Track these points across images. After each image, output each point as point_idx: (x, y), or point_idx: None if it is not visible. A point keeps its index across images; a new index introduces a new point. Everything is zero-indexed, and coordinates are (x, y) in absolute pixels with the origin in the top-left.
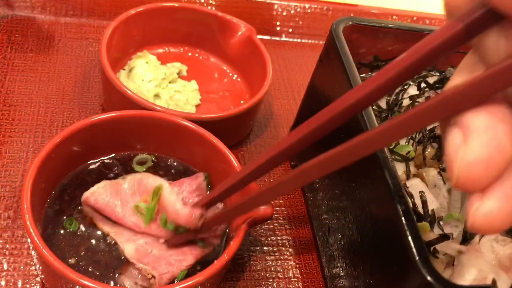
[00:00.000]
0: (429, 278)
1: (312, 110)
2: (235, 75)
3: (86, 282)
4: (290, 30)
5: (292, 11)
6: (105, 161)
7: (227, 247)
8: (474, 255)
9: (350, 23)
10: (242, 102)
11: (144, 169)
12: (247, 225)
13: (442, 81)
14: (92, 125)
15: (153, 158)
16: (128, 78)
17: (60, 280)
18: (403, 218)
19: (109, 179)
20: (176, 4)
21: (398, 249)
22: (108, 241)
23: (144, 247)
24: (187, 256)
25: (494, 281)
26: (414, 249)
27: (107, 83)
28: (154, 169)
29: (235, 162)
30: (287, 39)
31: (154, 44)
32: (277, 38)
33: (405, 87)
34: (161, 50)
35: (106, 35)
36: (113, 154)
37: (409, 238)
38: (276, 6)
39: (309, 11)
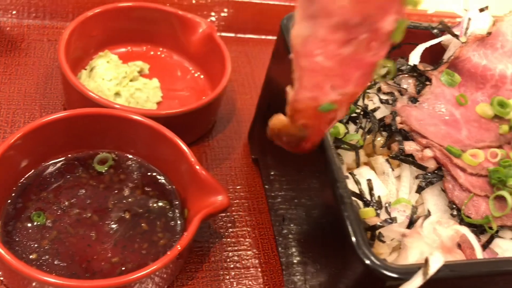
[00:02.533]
0: (366, 260)
1: (268, 106)
2: (198, 72)
3: (40, 277)
4: (254, 27)
5: (257, 8)
6: (66, 160)
7: (181, 239)
8: (417, 238)
9: None
10: (204, 98)
11: (105, 168)
12: (202, 217)
13: None
14: (48, 124)
15: (114, 156)
16: (89, 78)
17: (17, 277)
18: (342, 204)
19: (70, 179)
20: (132, 4)
21: (340, 235)
22: (75, 231)
23: None
24: None
25: (426, 260)
26: (352, 234)
27: (66, 83)
28: (115, 168)
29: (191, 157)
30: (251, 36)
31: (116, 44)
32: (241, 35)
33: None
34: (123, 50)
35: (64, 36)
36: (74, 153)
37: (347, 223)
38: (239, 4)
39: (271, 8)
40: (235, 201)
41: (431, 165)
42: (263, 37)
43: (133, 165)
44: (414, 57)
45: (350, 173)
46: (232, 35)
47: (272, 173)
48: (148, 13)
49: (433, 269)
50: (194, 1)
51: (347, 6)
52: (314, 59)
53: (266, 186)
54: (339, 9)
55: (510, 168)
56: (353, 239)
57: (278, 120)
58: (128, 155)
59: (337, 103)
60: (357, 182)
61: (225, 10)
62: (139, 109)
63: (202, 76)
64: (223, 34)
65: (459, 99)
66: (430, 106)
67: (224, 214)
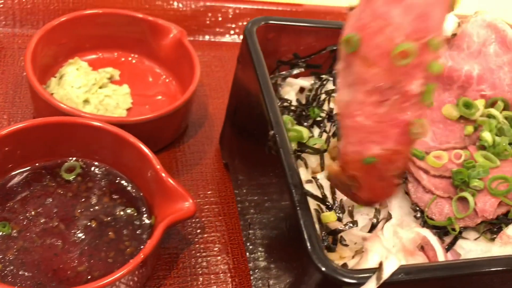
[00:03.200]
0: (322, 267)
1: (235, 110)
2: (169, 78)
3: None
4: (227, 31)
5: (231, 12)
6: (33, 169)
7: (144, 247)
8: (376, 241)
9: (263, 23)
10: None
11: (73, 176)
12: (167, 224)
13: None
14: (13, 134)
15: (81, 164)
16: (58, 85)
17: None
18: (298, 210)
19: (37, 188)
20: (100, 11)
21: (298, 241)
22: (42, 241)
23: None
24: None
25: (380, 264)
26: (307, 240)
27: (33, 92)
28: (83, 176)
29: (156, 164)
30: (224, 40)
31: (86, 51)
32: (214, 39)
33: (324, 82)
34: (94, 56)
35: (30, 45)
36: (41, 162)
37: (303, 229)
38: (212, 9)
39: (244, 12)
40: (205, 207)
41: None
42: (237, 41)
43: (101, 172)
44: None
45: (313, 177)
46: (206, 39)
47: (240, 177)
48: (117, 20)
49: (387, 273)
50: (170, 7)
51: (378, 73)
52: (355, 119)
53: (236, 191)
54: (372, 76)
55: (473, 169)
56: (308, 245)
57: (333, 168)
58: (95, 162)
59: (380, 157)
60: (319, 186)
61: (197, 14)
62: (106, 116)
63: (173, 82)
64: (197, 38)
65: None
66: None
67: (193, 220)
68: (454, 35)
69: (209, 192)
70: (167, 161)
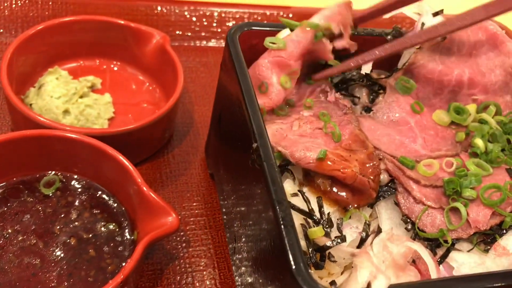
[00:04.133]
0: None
1: (219, 118)
2: (153, 85)
3: None
4: (213, 36)
5: (217, 16)
6: (9, 185)
7: (124, 266)
8: (365, 257)
9: (246, 29)
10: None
11: (52, 191)
12: (149, 240)
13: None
14: None
15: (61, 178)
16: (37, 96)
17: None
18: (282, 228)
19: (14, 204)
20: (78, 18)
21: (282, 259)
22: (19, 260)
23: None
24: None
25: (368, 284)
26: (291, 260)
27: (9, 104)
28: (62, 191)
29: (138, 178)
30: (210, 45)
31: (66, 59)
32: (200, 44)
33: None
34: (74, 64)
35: (6, 54)
36: (19, 177)
37: (287, 248)
38: (196, 14)
39: (230, 16)
40: (190, 219)
41: (383, 179)
42: (223, 45)
43: (81, 186)
44: (366, 66)
45: (299, 190)
46: (191, 44)
47: (225, 188)
48: (98, 26)
49: None
50: (154, 12)
51: None
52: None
53: (222, 202)
54: None
55: (465, 177)
56: (293, 266)
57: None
58: (75, 176)
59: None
60: (306, 200)
61: (182, 19)
62: (85, 128)
63: (157, 89)
64: (182, 43)
65: (414, 107)
66: (384, 115)
67: (179, 233)
68: (444, 38)
69: (194, 204)
70: (150, 172)
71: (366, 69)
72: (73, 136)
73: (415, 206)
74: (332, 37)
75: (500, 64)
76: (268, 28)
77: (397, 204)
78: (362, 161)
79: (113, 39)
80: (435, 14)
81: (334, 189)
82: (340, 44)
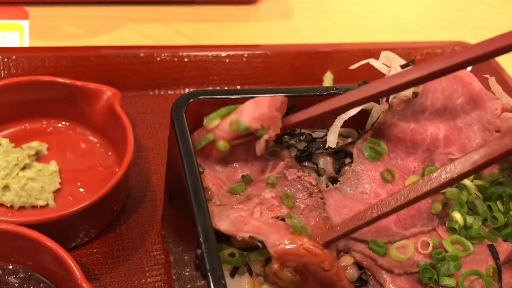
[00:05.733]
0: None
1: (170, 197)
2: (104, 146)
3: None
4: (172, 82)
5: (177, 62)
6: None
7: None
8: None
9: (192, 100)
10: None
11: None
12: None
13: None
14: None
15: None
16: None
17: None
18: None
19: None
20: (20, 79)
21: None
22: None
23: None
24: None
25: None
26: None
27: None
28: None
29: (77, 273)
30: (169, 93)
31: (8, 123)
32: (159, 93)
33: None
34: (17, 128)
35: None
36: None
37: None
38: (155, 59)
39: (186, 59)
40: None
41: (351, 276)
42: (183, 91)
43: (20, 278)
44: (332, 137)
45: None
46: (150, 93)
47: (180, 274)
48: (42, 86)
49: None
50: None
51: None
52: None
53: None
54: None
55: (443, 263)
56: None
57: (272, 268)
58: (11, 265)
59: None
60: None
61: (138, 66)
62: (22, 216)
63: (109, 151)
64: (138, 93)
65: (384, 175)
66: (352, 188)
67: None
68: (415, 94)
69: (149, 279)
70: (101, 251)
71: (331, 142)
72: (4, 227)
73: None
74: None
75: (478, 118)
76: (216, 96)
77: None
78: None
79: (60, 98)
80: (404, 66)
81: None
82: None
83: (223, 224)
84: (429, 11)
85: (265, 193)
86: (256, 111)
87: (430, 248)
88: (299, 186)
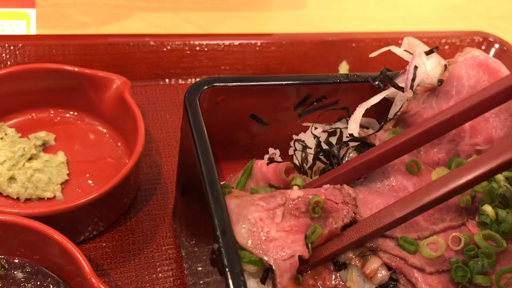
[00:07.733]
0: None
1: (183, 190)
2: (114, 136)
3: None
4: (184, 73)
5: (188, 51)
6: None
7: None
8: None
9: (206, 87)
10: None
11: None
12: None
13: None
14: None
15: (3, 263)
16: None
17: None
18: None
19: None
20: (28, 67)
21: None
22: None
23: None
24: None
25: None
26: None
27: None
28: (5, 279)
29: (85, 267)
30: (180, 82)
31: (14, 113)
32: (170, 82)
33: None
34: (24, 118)
35: None
36: None
37: None
38: (164, 48)
39: (197, 48)
40: None
41: (382, 279)
42: (194, 80)
43: (26, 272)
44: (353, 125)
45: None
46: (160, 83)
47: (193, 268)
48: (50, 75)
49: None
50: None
51: None
52: None
53: (190, 281)
54: None
55: (476, 260)
56: None
57: None
58: (18, 259)
59: None
60: None
61: (148, 55)
62: (25, 210)
63: (119, 141)
64: (149, 82)
65: (410, 167)
66: (378, 181)
67: None
68: (441, 81)
69: (160, 275)
70: (111, 245)
71: (353, 130)
72: (10, 219)
73: None
74: None
75: (506, 107)
76: (231, 84)
77: None
78: None
79: (67, 87)
80: (429, 52)
81: None
82: None
83: (240, 231)
84: (444, 1)
85: (292, 192)
86: None
87: (462, 244)
88: (334, 189)
